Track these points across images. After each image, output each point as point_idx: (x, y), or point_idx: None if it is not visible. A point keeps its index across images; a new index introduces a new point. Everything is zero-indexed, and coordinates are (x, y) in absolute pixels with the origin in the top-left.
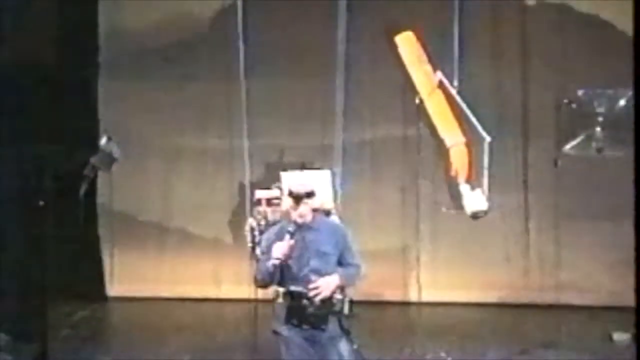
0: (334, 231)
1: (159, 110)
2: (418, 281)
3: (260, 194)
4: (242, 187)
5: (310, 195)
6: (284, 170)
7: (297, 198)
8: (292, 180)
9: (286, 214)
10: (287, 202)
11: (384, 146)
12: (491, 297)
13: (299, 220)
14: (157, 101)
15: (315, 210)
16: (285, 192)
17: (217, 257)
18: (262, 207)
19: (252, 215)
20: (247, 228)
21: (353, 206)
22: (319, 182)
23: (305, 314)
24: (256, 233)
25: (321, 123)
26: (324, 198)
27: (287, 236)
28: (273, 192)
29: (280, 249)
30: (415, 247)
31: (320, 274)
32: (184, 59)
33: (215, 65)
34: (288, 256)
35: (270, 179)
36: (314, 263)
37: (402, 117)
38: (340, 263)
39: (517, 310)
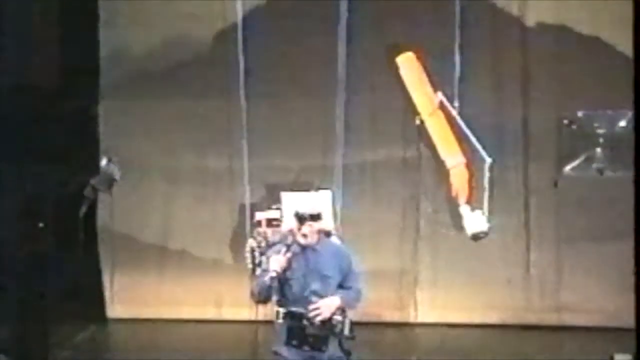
0: (338, 255)
1: (159, 132)
2: (417, 302)
3: (260, 215)
4: (242, 208)
5: (315, 217)
6: (285, 190)
7: (302, 219)
8: (300, 201)
9: (290, 234)
10: (292, 223)
11: (385, 167)
12: (491, 318)
13: (302, 242)
14: (157, 122)
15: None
16: (292, 212)
17: (217, 278)
18: (262, 228)
19: (252, 236)
20: (248, 249)
21: (353, 227)
22: (319, 203)
23: (305, 335)
24: (256, 254)
25: (322, 144)
26: (325, 219)
27: (284, 249)
28: (273, 213)
29: (277, 262)
30: (415, 268)
31: (321, 296)
32: (185, 80)
33: (216, 86)
34: (285, 269)
35: (270, 200)
36: (315, 285)
37: (402, 138)
38: (341, 286)
39: (518, 331)
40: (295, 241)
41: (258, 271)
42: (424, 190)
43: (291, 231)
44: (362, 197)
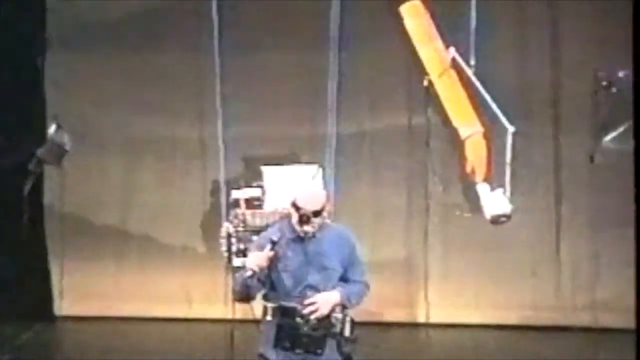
0: (341, 243)
1: (118, 93)
2: (426, 299)
3: (237, 194)
4: (216, 185)
5: (318, 213)
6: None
7: (304, 216)
8: (302, 193)
9: (285, 221)
10: (276, 203)
11: (386, 138)
12: (513, 318)
13: (302, 235)
14: (115, 83)
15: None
16: (279, 192)
17: (187, 268)
18: (241, 210)
19: (228, 219)
20: (223, 234)
21: (350, 210)
22: (320, 196)
23: (298, 335)
24: (233, 240)
25: (311, 109)
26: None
27: (268, 246)
28: (253, 192)
29: (256, 259)
30: (424, 258)
31: (318, 291)
32: (147, 31)
33: (185, 39)
34: (264, 269)
35: (249, 175)
36: (312, 278)
37: (407, 102)
38: (344, 279)
39: (544, 333)
40: (291, 230)
41: (235, 261)
42: (433, 165)
43: (287, 218)
44: (359, 174)
